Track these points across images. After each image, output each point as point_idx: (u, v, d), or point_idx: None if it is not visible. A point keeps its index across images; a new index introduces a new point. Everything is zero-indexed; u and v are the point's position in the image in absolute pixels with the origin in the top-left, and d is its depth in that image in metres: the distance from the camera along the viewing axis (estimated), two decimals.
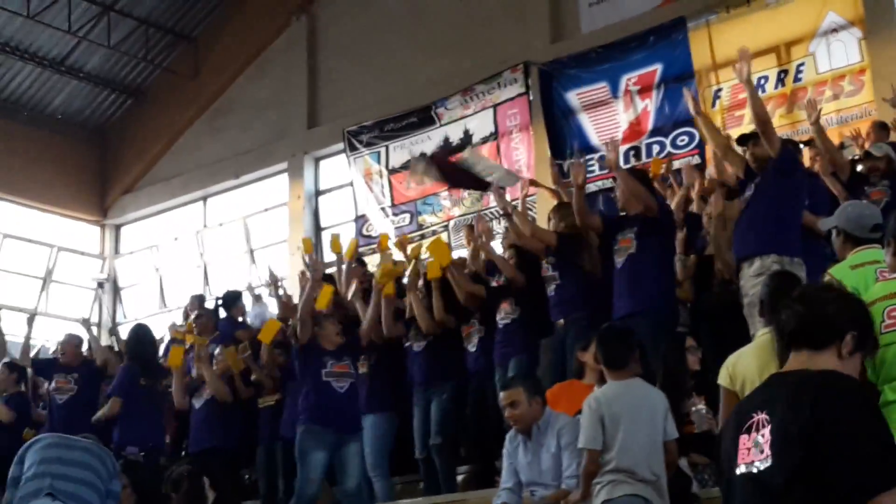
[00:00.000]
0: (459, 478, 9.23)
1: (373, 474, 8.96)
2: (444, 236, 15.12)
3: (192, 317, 11.72)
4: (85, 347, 11.32)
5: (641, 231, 7.77)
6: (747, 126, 11.71)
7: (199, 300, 13.11)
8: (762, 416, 2.95)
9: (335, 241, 10.68)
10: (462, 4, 15.80)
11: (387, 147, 16.07)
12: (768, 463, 2.86)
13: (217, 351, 10.16)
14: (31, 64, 18.87)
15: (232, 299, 12.23)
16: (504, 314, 8.81)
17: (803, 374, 3.03)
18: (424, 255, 9.91)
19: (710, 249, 8.43)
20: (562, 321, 8.25)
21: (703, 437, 6.58)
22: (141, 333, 10.17)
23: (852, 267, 5.11)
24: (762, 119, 7.32)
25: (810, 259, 7.05)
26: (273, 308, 12.25)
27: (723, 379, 4.95)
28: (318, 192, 17.62)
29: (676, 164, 12.23)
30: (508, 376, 7.92)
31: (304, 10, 17.93)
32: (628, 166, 12.22)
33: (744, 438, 2.97)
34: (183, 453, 10.33)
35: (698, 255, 8.63)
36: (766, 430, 2.90)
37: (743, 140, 7.65)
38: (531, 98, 14.50)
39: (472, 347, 9.06)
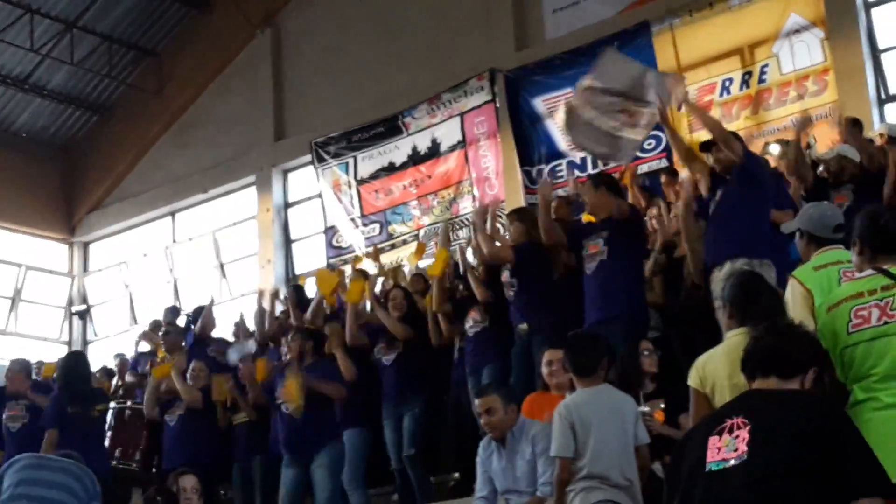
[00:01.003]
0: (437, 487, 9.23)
1: (348, 487, 8.97)
2: (414, 245, 15.12)
3: (161, 332, 11.67)
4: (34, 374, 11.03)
5: (611, 236, 7.79)
6: None
7: (172, 312, 13.08)
8: (738, 420, 3.10)
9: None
10: (427, 14, 15.82)
11: (355, 158, 16.05)
12: (743, 458, 2.99)
13: (193, 364, 10.11)
14: None
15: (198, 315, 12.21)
16: (473, 322, 8.82)
17: (784, 392, 3.33)
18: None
19: (680, 250, 8.43)
20: (525, 325, 8.23)
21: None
22: (72, 362, 9.95)
23: (815, 268, 5.13)
24: (716, 130, 7.39)
25: (780, 259, 7.09)
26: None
27: (693, 380, 4.95)
28: (287, 205, 17.58)
29: (644, 168, 12.35)
30: (483, 384, 7.93)
31: (269, 23, 17.89)
32: (596, 171, 12.27)
33: (714, 439, 3.10)
34: (154, 470, 10.25)
35: (668, 256, 8.62)
36: (744, 431, 3.04)
37: (706, 146, 7.67)
38: (498, 105, 14.52)
39: (455, 356, 9.10)
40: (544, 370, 7.02)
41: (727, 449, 3.03)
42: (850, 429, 3.16)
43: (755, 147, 10.31)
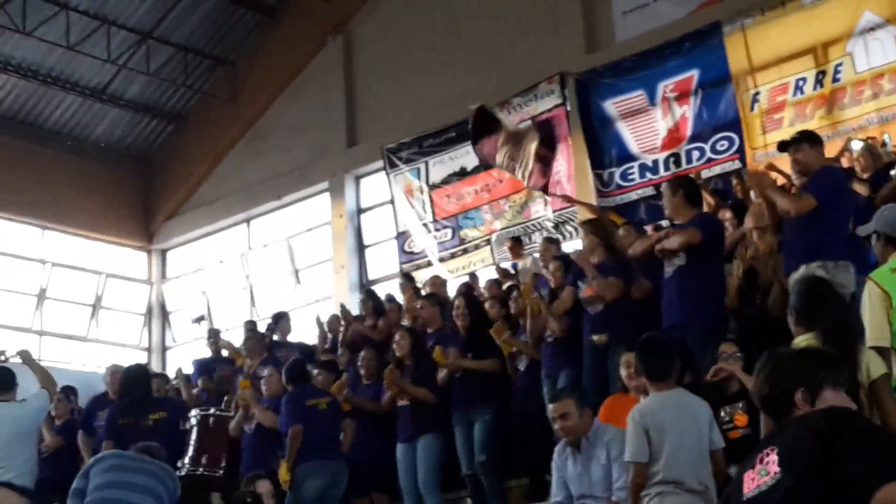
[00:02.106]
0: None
1: (424, 491, 9.05)
2: (486, 250, 15.18)
3: (243, 338, 11.87)
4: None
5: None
6: (786, 129, 11.70)
7: (250, 324, 13.34)
8: (766, 450, 3.07)
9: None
10: (496, 18, 15.85)
11: (426, 163, 16.12)
12: (778, 477, 2.97)
13: (267, 372, 10.20)
14: (73, 93, 19.14)
15: (276, 320, 12.42)
16: (550, 331, 8.84)
17: (800, 417, 3.20)
18: None
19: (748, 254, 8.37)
20: (603, 336, 8.20)
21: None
22: (130, 374, 10.05)
23: (893, 270, 5.09)
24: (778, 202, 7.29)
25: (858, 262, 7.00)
26: None
27: None
28: (359, 210, 17.73)
29: (717, 170, 12.27)
30: (557, 389, 7.93)
31: (339, 30, 18.05)
32: (671, 174, 12.21)
33: (749, 474, 3.09)
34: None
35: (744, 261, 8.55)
36: (773, 456, 3.02)
37: (784, 146, 7.55)
38: (568, 109, 14.47)
39: (521, 367, 9.11)
40: (623, 372, 7.01)
41: (760, 476, 3.03)
42: (865, 423, 3.09)
43: (832, 147, 10.20)
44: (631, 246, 8.51)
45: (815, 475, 2.88)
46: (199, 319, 12.36)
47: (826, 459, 2.88)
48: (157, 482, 6.04)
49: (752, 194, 9.03)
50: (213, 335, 13.09)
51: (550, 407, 6.56)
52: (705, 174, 12.02)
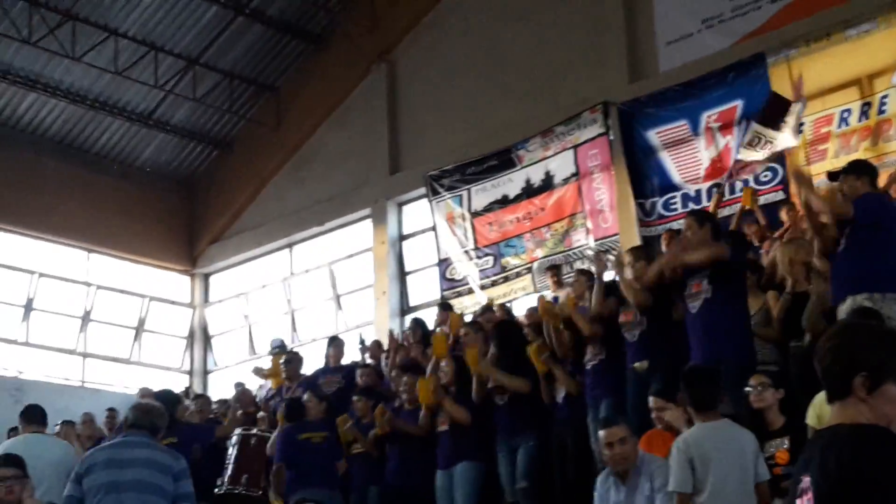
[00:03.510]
0: None
1: None
2: (528, 278, 15.20)
3: (283, 361, 11.93)
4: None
5: (715, 275, 7.71)
6: (831, 161, 11.67)
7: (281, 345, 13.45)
8: (806, 479, 2.95)
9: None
10: (539, 47, 15.91)
11: (468, 190, 16.19)
12: None
13: (306, 397, 10.26)
14: (121, 118, 19.39)
15: (330, 343, 12.51)
16: (591, 355, 8.84)
17: (833, 431, 3.00)
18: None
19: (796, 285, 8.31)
20: (644, 363, 8.20)
21: None
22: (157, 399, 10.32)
23: None
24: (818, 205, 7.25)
25: None
26: None
27: (811, 419, 4.92)
28: (401, 237, 17.80)
29: (761, 200, 12.22)
30: (605, 415, 7.88)
31: (383, 58, 18.18)
32: (698, 208, 12.14)
33: (798, 502, 2.97)
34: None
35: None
36: (810, 494, 2.90)
37: (834, 176, 7.53)
38: (611, 138, 14.51)
39: (559, 398, 9.11)
40: (653, 415, 7.03)
41: None
42: (876, 473, 2.80)
43: (883, 176, 10.13)
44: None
45: None
46: (362, 344, 12.68)
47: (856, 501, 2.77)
48: (152, 470, 6.18)
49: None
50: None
51: (604, 433, 6.47)
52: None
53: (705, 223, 8.04)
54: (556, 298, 12.47)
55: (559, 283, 13.01)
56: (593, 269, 9.51)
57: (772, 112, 10.58)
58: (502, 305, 12.83)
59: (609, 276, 9.22)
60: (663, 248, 11.61)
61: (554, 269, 13.52)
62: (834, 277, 7.26)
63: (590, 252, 14.42)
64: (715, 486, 5.47)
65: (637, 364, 8.26)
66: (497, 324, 10.10)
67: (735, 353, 7.47)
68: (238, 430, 10.13)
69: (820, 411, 4.95)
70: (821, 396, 5.06)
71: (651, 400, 7.05)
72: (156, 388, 12.78)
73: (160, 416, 6.71)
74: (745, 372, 7.33)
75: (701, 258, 7.72)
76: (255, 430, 10.25)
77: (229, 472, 9.89)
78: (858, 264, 7.00)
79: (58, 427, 12.79)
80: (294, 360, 12.11)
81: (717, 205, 11.25)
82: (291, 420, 9.72)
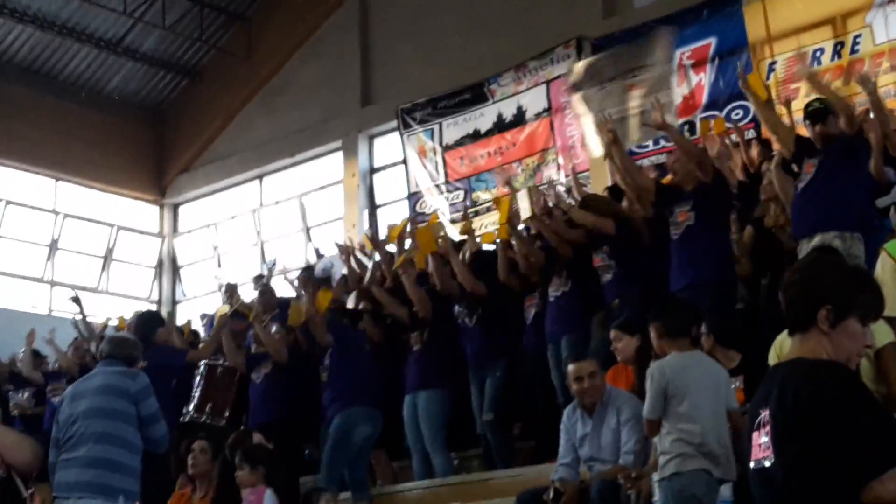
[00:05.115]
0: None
1: (430, 449, 9.04)
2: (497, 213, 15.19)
3: (259, 292, 11.86)
4: None
5: (698, 202, 7.75)
6: (803, 100, 11.64)
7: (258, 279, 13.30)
8: (765, 413, 2.99)
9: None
10: None
11: (440, 124, 16.13)
12: (773, 460, 2.92)
13: (274, 329, 10.26)
14: (88, 45, 19.12)
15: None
16: (555, 287, 8.82)
17: (792, 366, 3.04)
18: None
19: (767, 221, 8.35)
20: (616, 301, 8.24)
21: None
22: (143, 319, 10.14)
23: None
24: (841, 105, 7.26)
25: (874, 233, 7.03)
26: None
27: (771, 359, 4.95)
28: (372, 170, 17.74)
29: (733, 138, 12.22)
30: (569, 352, 7.94)
31: None
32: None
33: (755, 435, 3.02)
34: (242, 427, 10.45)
35: (756, 227, 8.54)
36: (769, 427, 2.95)
37: (815, 117, 7.51)
38: None
39: (528, 320, 9.11)
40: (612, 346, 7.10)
41: (763, 446, 2.96)
42: (832, 408, 2.84)
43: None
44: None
45: (802, 465, 2.83)
46: (272, 266, 12.41)
47: (812, 437, 2.81)
48: (108, 396, 6.16)
49: (764, 165, 9.05)
50: (230, 290, 13.08)
51: (573, 367, 6.54)
52: None
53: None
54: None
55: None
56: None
57: None
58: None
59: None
60: None
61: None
62: (798, 207, 7.30)
63: (561, 188, 14.45)
64: (690, 414, 5.47)
65: (614, 303, 8.29)
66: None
67: (717, 276, 7.52)
68: (204, 361, 10.11)
69: (780, 351, 4.99)
70: (781, 337, 5.10)
71: (611, 333, 7.12)
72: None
73: (134, 347, 6.68)
74: (726, 299, 7.38)
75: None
76: (221, 361, 10.24)
77: (194, 401, 9.91)
78: (829, 198, 7.04)
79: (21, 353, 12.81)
80: (269, 292, 12.01)
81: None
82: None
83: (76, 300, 12.41)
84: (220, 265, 19.40)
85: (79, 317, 12.45)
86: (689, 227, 7.73)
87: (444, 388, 9.19)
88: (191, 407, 9.82)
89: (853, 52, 12.15)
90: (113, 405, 6.15)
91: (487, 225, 15.19)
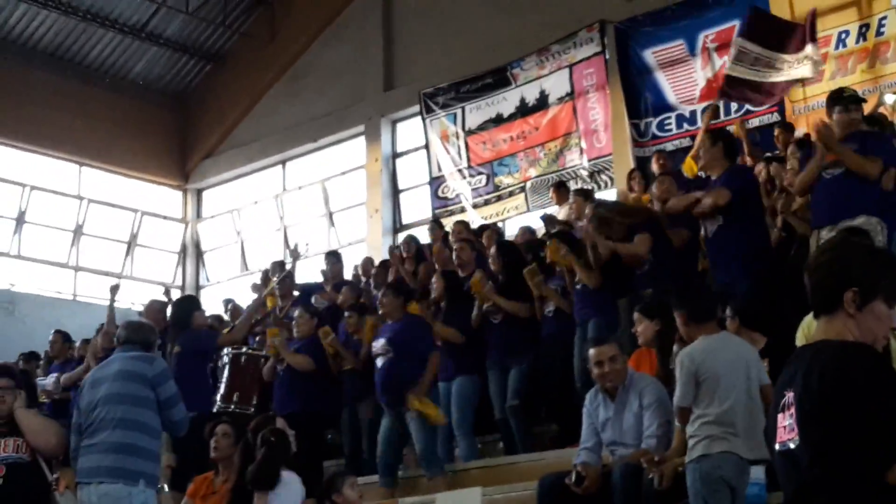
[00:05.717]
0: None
1: (458, 433, 9.08)
2: (521, 197, 15.19)
3: (277, 278, 11.85)
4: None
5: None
6: (827, 83, 11.61)
7: (280, 266, 13.30)
8: (790, 394, 2.96)
9: None
10: None
11: (463, 108, 16.11)
12: (798, 443, 2.89)
13: (297, 313, 10.25)
14: (112, 31, 19.17)
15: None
16: (579, 278, 8.80)
17: (817, 348, 3.00)
18: None
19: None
20: (649, 291, 8.18)
21: None
22: (181, 304, 10.24)
23: None
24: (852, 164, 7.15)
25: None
26: None
27: (799, 341, 4.92)
28: (395, 155, 17.75)
29: (755, 122, 12.18)
30: (595, 335, 7.89)
31: None
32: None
33: (780, 416, 3.00)
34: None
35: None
36: (793, 409, 2.92)
37: (846, 102, 7.38)
38: (607, 57, 14.41)
39: (548, 312, 9.10)
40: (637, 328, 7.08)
41: (788, 428, 2.93)
42: (856, 392, 2.81)
43: (869, 101, 10.08)
44: (667, 198, 8.52)
45: (828, 447, 2.81)
46: (295, 252, 12.34)
47: (837, 419, 2.79)
48: (124, 381, 6.15)
49: (789, 149, 8.99)
50: (265, 277, 13.06)
51: (594, 351, 6.50)
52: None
53: (718, 142, 8.00)
54: (547, 217, 12.31)
55: (564, 200, 12.79)
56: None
57: (761, 30, 10.43)
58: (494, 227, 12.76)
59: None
60: (654, 168, 11.64)
61: (560, 185, 13.37)
62: (821, 197, 7.20)
63: (583, 172, 14.43)
64: (722, 398, 5.43)
65: (646, 292, 8.23)
66: (499, 245, 10.00)
67: (753, 273, 7.48)
68: (228, 349, 10.12)
69: (808, 332, 4.95)
70: (808, 319, 5.06)
71: (634, 315, 7.11)
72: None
73: (151, 331, 6.70)
74: (766, 288, 7.32)
75: (706, 210, 7.72)
76: (244, 349, 10.25)
77: (221, 390, 9.92)
78: (850, 188, 6.95)
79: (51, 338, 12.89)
80: (289, 278, 11.99)
81: (707, 123, 11.17)
82: None
83: (115, 289, 12.40)
84: (243, 251, 19.44)
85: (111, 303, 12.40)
86: (719, 227, 7.70)
87: (478, 374, 9.27)
88: (217, 397, 9.85)
89: (878, 34, 12.04)
90: (131, 390, 6.15)
91: (509, 210, 15.22)
